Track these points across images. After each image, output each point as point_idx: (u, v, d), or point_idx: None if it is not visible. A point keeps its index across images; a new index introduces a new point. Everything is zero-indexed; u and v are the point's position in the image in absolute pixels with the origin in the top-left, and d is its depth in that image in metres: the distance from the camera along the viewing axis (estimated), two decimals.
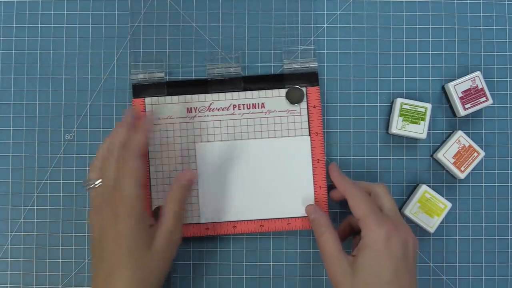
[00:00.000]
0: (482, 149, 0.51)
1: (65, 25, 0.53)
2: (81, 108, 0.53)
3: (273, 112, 0.51)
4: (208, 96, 0.51)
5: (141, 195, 0.43)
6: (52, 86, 0.53)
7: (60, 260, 0.52)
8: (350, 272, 0.43)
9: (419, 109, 0.50)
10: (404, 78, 0.52)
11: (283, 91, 0.51)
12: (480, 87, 0.51)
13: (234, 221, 0.51)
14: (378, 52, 0.52)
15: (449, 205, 0.50)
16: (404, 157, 0.52)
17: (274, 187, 0.51)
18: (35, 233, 0.52)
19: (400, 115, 0.51)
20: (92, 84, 0.53)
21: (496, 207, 0.52)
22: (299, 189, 0.51)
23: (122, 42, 0.53)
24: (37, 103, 0.53)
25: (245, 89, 0.51)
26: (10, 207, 0.52)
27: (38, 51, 0.53)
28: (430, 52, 0.52)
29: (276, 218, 0.51)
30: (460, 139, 0.50)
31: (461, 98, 0.51)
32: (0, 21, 0.53)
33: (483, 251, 0.52)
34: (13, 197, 0.52)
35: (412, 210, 0.50)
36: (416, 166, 0.52)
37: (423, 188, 0.50)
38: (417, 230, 0.51)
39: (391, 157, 0.52)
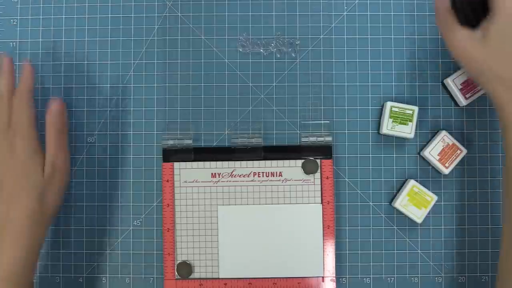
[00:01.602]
0: (464, 146, 0.56)
1: (86, 39, 0.59)
2: (101, 113, 0.58)
3: (290, 180, 0.56)
4: (231, 163, 0.56)
5: (35, 132, 0.50)
6: (75, 94, 0.58)
7: (84, 251, 0.57)
8: (479, 39, 0.43)
9: (407, 111, 0.55)
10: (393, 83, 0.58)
11: (299, 162, 0.56)
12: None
13: (250, 278, 0.55)
14: (369, 60, 0.58)
15: (435, 197, 0.55)
16: (394, 155, 0.57)
17: (287, 249, 0.55)
18: (60, 227, 0.57)
19: (390, 117, 0.55)
20: (111, 92, 0.58)
21: (477, 199, 0.57)
22: (309, 252, 0.55)
23: (138, 54, 0.58)
24: None
25: (265, 158, 0.56)
26: None
27: (62, 62, 0.58)
28: (416, 60, 0.58)
29: (288, 277, 0.55)
30: (444, 138, 0.55)
31: (461, 89, 0.55)
32: (28, 37, 0.59)
33: (466, 239, 0.56)
34: None
35: (401, 202, 0.55)
36: (405, 163, 0.57)
37: (412, 182, 0.55)
38: (407, 220, 0.56)
39: (382, 155, 0.57)
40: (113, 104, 0.58)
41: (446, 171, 0.55)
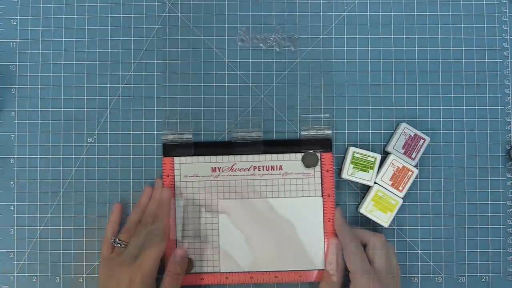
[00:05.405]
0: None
1: (86, 39, 0.58)
2: (101, 113, 0.58)
3: (290, 174, 0.56)
4: (231, 158, 0.56)
5: (156, 269, 0.51)
6: (75, 94, 0.58)
7: (84, 251, 0.57)
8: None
9: (369, 158, 0.54)
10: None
11: (299, 156, 0.56)
12: (412, 134, 0.55)
13: (251, 271, 0.55)
14: (369, 60, 0.58)
15: (400, 201, 0.54)
16: None
17: (288, 242, 0.55)
18: (61, 227, 0.57)
19: (352, 162, 0.54)
20: (111, 92, 0.58)
21: (477, 199, 0.57)
22: (310, 245, 0.55)
23: (138, 54, 0.58)
24: (62, 109, 0.58)
25: (265, 152, 0.56)
26: (38, 203, 0.57)
27: (62, 62, 0.58)
28: (416, 60, 0.58)
29: (289, 271, 0.55)
30: (394, 162, 0.54)
31: (405, 153, 0.54)
32: (28, 36, 0.59)
33: (466, 239, 0.56)
34: (41, 195, 0.57)
35: (367, 208, 0.54)
36: None
37: (376, 187, 0.54)
38: (407, 220, 0.56)
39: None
40: (113, 104, 0.58)
41: (401, 194, 0.54)
